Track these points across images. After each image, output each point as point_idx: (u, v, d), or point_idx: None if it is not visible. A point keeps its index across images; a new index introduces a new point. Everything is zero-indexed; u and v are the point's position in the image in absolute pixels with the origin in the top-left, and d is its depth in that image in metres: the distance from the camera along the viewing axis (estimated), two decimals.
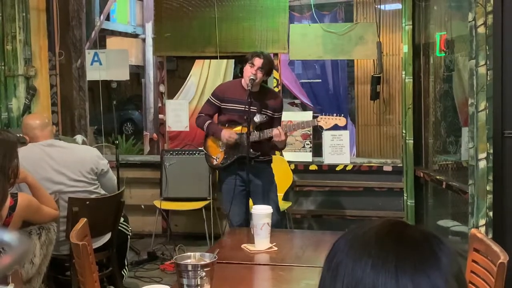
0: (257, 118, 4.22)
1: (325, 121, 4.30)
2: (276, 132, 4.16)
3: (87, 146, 4.65)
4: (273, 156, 4.63)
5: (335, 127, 6.72)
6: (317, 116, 4.56)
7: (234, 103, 4.27)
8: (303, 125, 4.53)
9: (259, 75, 4.19)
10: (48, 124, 3.90)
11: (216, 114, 4.44)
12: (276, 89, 5.78)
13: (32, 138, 3.78)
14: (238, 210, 4.24)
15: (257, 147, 4.26)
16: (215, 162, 4.39)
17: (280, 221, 4.49)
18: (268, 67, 4.25)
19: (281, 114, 4.46)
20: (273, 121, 4.33)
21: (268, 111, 4.31)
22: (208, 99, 4.47)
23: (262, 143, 4.28)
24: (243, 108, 4.17)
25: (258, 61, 4.18)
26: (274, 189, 4.43)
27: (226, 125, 4.32)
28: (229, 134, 4.24)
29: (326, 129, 4.50)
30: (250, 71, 4.18)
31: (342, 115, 4.42)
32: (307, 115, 6.33)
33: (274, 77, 5.95)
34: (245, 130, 4.18)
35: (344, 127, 7.62)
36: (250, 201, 4.34)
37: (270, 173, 4.43)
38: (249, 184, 4.28)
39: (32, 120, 3.89)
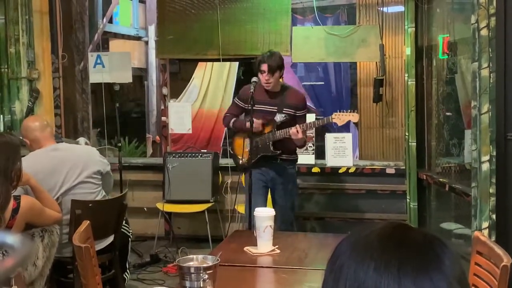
0: (277, 118, 4.45)
1: (339, 117, 4.45)
2: (293, 131, 4.34)
3: (87, 146, 4.66)
4: None
5: (338, 129, 6.71)
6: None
7: (258, 105, 4.40)
8: (319, 122, 4.64)
9: (271, 78, 4.34)
10: (47, 126, 3.86)
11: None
12: None
13: (33, 140, 3.75)
14: (256, 201, 4.26)
15: (279, 145, 4.48)
16: (241, 162, 4.59)
17: (292, 223, 4.63)
18: (276, 65, 4.35)
19: (305, 112, 4.62)
20: (296, 120, 4.48)
21: (289, 110, 4.47)
22: (234, 101, 4.75)
23: (284, 141, 4.46)
24: (266, 109, 4.44)
25: (264, 67, 4.34)
26: (294, 190, 4.65)
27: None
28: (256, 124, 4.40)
29: (341, 125, 4.62)
30: (264, 79, 4.36)
31: (356, 111, 4.58)
32: (310, 118, 6.32)
33: None
34: (267, 129, 4.45)
35: (348, 129, 7.65)
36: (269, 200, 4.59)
37: (293, 174, 4.65)
38: (271, 182, 4.55)
39: (31, 122, 3.85)
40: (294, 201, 4.70)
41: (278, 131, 4.43)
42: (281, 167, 4.55)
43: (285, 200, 4.56)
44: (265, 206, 4.22)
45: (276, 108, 4.45)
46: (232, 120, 4.60)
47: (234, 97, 7.66)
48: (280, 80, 4.63)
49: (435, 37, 4.95)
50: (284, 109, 4.46)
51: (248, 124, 4.33)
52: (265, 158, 4.48)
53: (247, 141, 4.50)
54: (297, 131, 4.31)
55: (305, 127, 4.43)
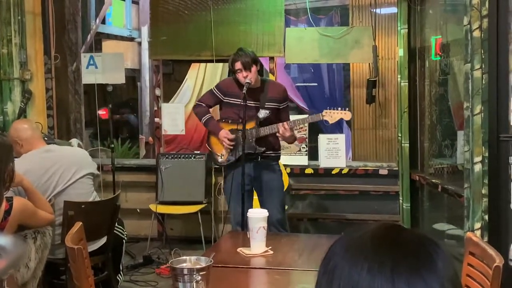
0: (260, 114, 4.24)
1: (330, 115, 4.26)
2: (281, 129, 4.17)
3: (79, 148, 4.65)
4: None
5: (331, 130, 6.71)
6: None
7: (238, 98, 4.23)
8: (308, 119, 4.46)
9: (250, 74, 4.17)
10: (37, 127, 3.93)
11: (218, 106, 4.48)
12: None
13: (26, 140, 3.74)
14: (240, 210, 4.18)
15: (263, 142, 4.29)
16: (220, 160, 4.39)
17: (284, 221, 4.49)
18: (249, 59, 4.19)
19: (287, 103, 4.47)
20: (280, 112, 4.35)
21: (272, 104, 4.31)
22: (212, 90, 4.46)
23: (268, 137, 4.30)
24: (248, 105, 4.18)
25: (238, 65, 4.19)
26: (280, 187, 4.43)
27: (229, 121, 4.32)
28: (225, 134, 4.27)
29: (332, 123, 4.42)
30: (242, 77, 4.19)
31: (347, 109, 4.37)
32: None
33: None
34: (249, 126, 4.22)
35: (341, 131, 7.67)
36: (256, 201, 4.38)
37: (277, 170, 4.43)
38: (254, 182, 4.32)
39: (23, 124, 3.90)
40: (283, 200, 4.48)
41: (262, 128, 4.24)
42: (264, 164, 4.34)
43: (272, 200, 4.29)
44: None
45: (258, 103, 4.26)
46: (207, 117, 4.37)
47: None
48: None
49: (428, 38, 4.96)
50: (267, 103, 4.27)
51: (219, 131, 4.28)
52: (247, 155, 4.22)
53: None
54: (285, 129, 4.15)
55: (293, 124, 4.28)
